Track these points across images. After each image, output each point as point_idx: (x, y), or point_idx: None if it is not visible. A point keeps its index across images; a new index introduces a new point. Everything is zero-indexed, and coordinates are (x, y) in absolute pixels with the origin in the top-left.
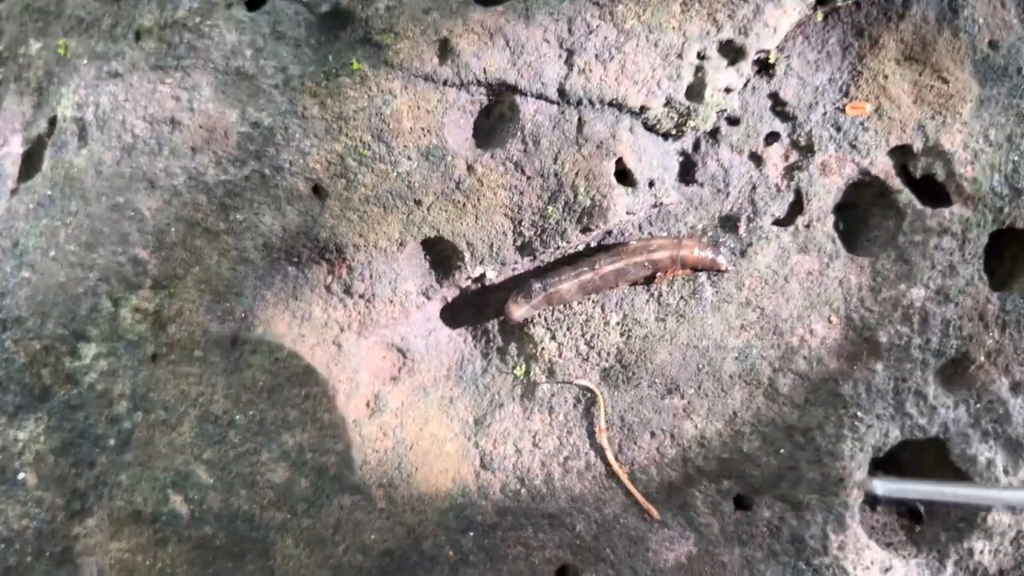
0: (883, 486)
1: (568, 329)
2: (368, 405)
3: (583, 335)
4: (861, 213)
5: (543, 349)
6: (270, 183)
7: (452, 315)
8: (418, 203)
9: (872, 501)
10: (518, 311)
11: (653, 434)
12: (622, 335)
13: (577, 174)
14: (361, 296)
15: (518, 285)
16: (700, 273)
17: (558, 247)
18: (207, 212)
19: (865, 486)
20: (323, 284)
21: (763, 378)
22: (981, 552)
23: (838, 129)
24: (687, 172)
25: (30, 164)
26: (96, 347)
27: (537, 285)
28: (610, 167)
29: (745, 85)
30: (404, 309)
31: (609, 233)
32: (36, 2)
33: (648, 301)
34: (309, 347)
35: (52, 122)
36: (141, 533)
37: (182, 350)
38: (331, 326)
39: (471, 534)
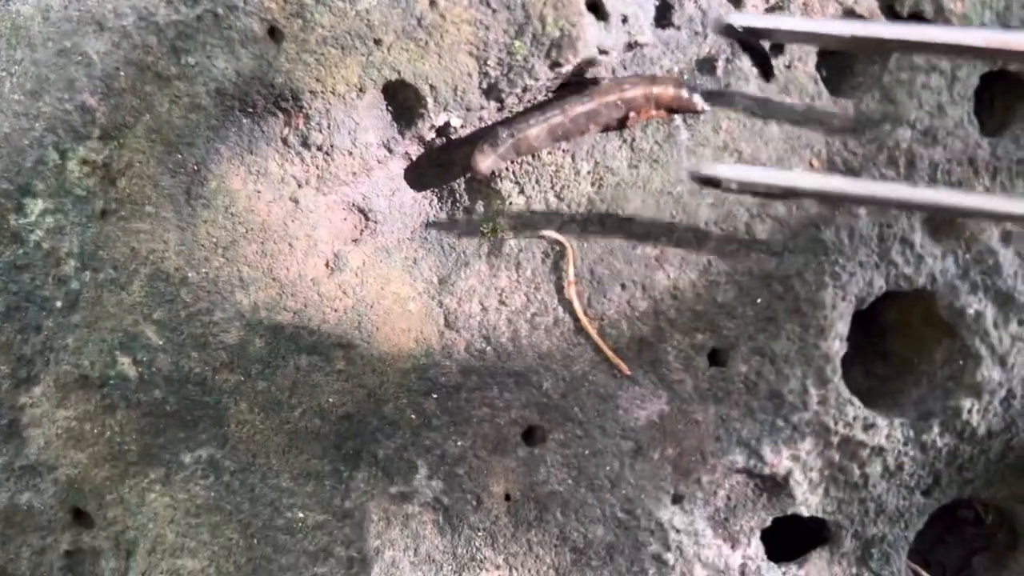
0: (726, 171)
1: (537, 182)
2: (327, 264)
3: (552, 187)
4: (845, 58)
5: (511, 204)
6: (223, 23)
7: (416, 175)
8: (378, 43)
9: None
10: (484, 161)
11: (624, 286)
12: (593, 184)
13: (545, 3)
14: (319, 148)
15: (484, 135)
16: (675, 116)
17: (526, 87)
18: (158, 55)
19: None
20: (279, 137)
21: (740, 224)
22: (969, 412)
23: None
24: (663, 16)
25: None
26: (42, 203)
27: (504, 132)
28: None
29: None
30: (365, 163)
31: (580, 76)
32: None
33: (621, 147)
34: (265, 203)
35: None
36: (89, 399)
37: (132, 205)
38: (288, 182)
39: (434, 396)
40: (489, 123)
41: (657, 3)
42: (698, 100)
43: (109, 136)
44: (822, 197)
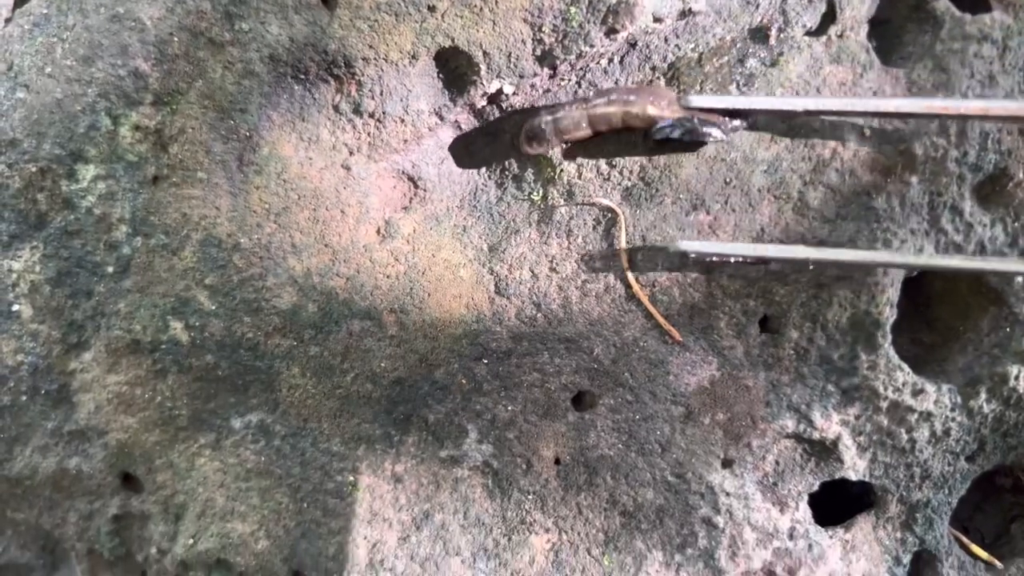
0: (689, 245)
1: (587, 148)
2: (379, 232)
3: (603, 153)
4: (896, 28)
5: (562, 171)
6: None
7: (465, 144)
8: (432, 9)
9: None
10: (533, 147)
11: (676, 252)
12: (646, 151)
13: None
14: (371, 115)
15: (529, 120)
16: (729, 83)
17: (580, 53)
18: (211, 21)
19: (671, 247)
20: (331, 104)
21: (793, 192)
22: (1016, 379)
23: None
24: None
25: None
26: (95, 169)
27: (547, 117)
28: None
29: None
30: (416, 130)
31: (634, 47)
32: None
33: None
34: (317, 170)
35: None
36: (140, 364)
37: (184, 171)
38: (340, 149)
39: (485, 361)
40: (541, 90)
41: None
42: (717, 133)
43: (162, 102)
44: (791, 264)
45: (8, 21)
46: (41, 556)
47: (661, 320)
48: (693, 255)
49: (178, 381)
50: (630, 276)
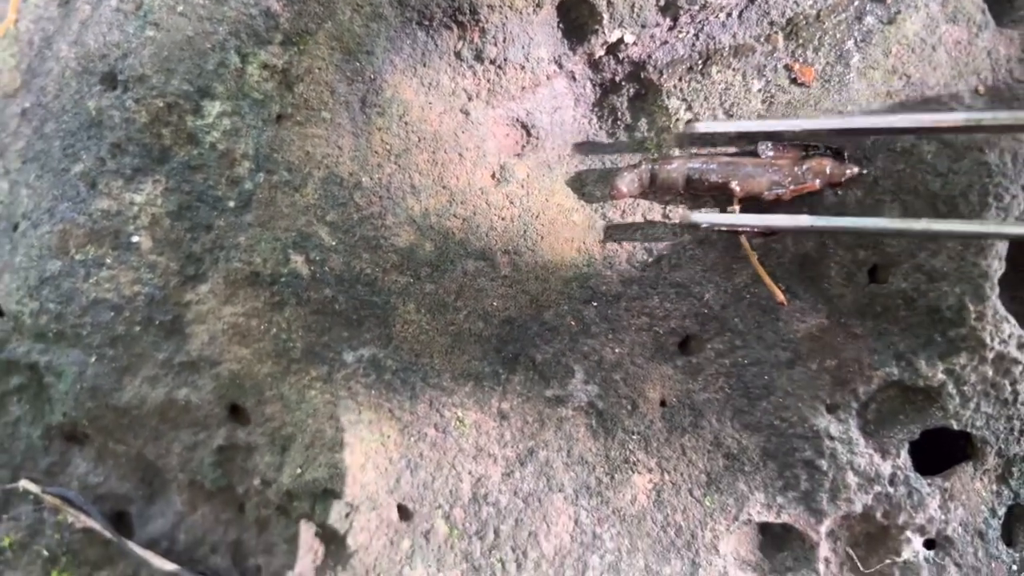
0: (700, 216)
1: (705, 99)
2: (494, 175)
3: (721, 104)
4: None
5: (677, 120)
6: None
7: (577, 93)
8: None
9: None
10: (623, 186)
11: (789, 200)
12: (763, 102)
13: None
14: (492, 62)
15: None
16: (847, 39)
17: (704, 4)
18: None
19: (685, 219)
20: (452, 51)
21: (906, 144)
22: None
23: None
24: None
25: None
26: (221, 105)
27: (645, 165)
28: None
29: None
30: (534, 78)
31: (752, 1)
32: None
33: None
34: (436, 114)
35: None
36: (258, 296)
37: (309, 110)
38: (459, 94)
39: (594, 304)
40: (659, 42)
41: None
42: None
43: (290, 42)
44: (796, 232)
45: None
46: (140, 487)
47: (768, 280)
48: (704, 225)
49: (295, 313)
50: (742, 237)
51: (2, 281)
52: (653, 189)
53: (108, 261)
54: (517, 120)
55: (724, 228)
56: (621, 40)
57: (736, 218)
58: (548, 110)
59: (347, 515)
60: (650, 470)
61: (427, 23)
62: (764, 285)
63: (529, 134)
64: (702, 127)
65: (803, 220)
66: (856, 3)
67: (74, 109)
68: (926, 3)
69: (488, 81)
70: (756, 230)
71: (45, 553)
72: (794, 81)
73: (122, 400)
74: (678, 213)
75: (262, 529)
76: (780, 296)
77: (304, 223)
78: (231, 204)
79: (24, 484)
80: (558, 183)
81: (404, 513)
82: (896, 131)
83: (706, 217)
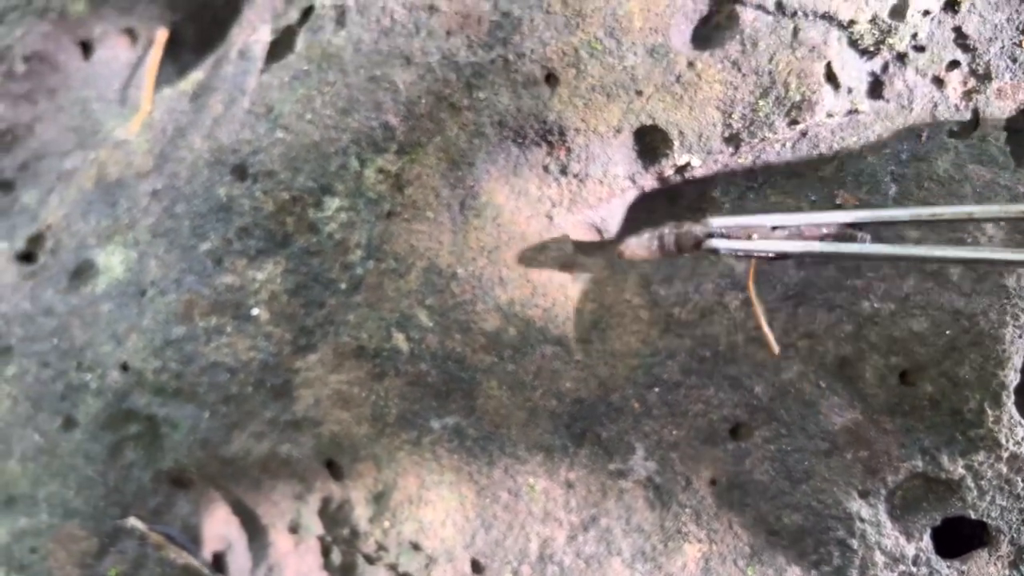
0: (721, 243)
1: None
2: (572, 271)
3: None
4: None
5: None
6: (511, 67)
7: (647, 205)
8: (639, 93)
9: None
10: (632, 249)
11: (831, 309)
12: None
13: (790, 73)
14: (575, 176)
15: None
16: (879, 165)
17: (764, 138)
18: (454, 89)
19: (702, 238)
20: (541, 165)
21: (935, 267)
22: None
23: (1014, 61)
24: (875, 89)
25: (276, 50)
26: (339, 201)
27: (659, 231)
28: (821, 68)
29: (931, 17)
30: (611, 191)
31: (804, 135)
32: None
33: None
34: (524, 217)
35: (306, 12)
36: (361, 367)
37: (416, 209)
38: (544, 201)
39: (656, 390)
40: (721, 164)
41: (871, 79)
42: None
43: (404, 151)
44: (808, 257)
45: (263, 71)
46: (237, 531)
47: (765, 329)
48: (723, 252)
49: (392, 384)
50: (751, 288)
51: (129, 340)
52: (674, 252)
53: (228, 329)
54: (592, 225)
55: (740, 254)
56: (688, 163)
57: (750, 244)
58: (618, 217)
59: (426, 565)
60: (700, 540)
61: (521, 140)
62: (765, 342)
63: (602, 236)
64: (717, 223)
65: (814, 247)
66: (894, 142)
67: (205, 194)
68: (955, 145)
69: (571, 192)
70: (769, 255)
71: None
72: (838, 207)
73: (229, 451)
74: (695, 228)
75: (347, 574)
76: (775, 348)
77: (406, 306)
78: (343, 286)
79: (132, 521)
80: (629, 281)
81: (477, 567)
82: (919, 259)
83: (723, 244)
